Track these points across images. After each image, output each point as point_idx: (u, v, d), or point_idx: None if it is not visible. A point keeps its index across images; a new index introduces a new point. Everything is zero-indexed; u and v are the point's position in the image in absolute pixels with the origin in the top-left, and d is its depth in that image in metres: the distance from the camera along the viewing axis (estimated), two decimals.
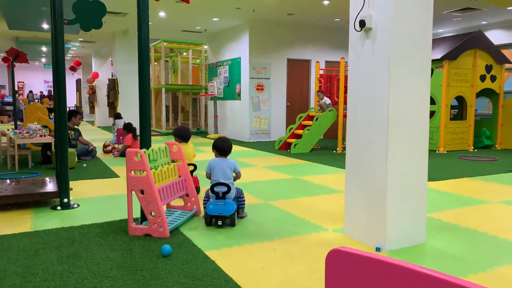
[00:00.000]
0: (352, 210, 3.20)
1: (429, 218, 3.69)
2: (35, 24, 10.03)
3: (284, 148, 8.84)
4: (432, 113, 8.59)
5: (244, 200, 3.69)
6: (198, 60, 15.50)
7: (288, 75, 11.03)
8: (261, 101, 10.77)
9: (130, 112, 12.42)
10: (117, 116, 8.91)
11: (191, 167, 4.06)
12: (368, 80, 3.00)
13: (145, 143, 3.51)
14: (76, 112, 7.42)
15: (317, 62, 9.52)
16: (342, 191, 4.72)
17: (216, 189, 3.43)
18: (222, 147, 3.59)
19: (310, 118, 9.06)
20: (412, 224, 3.05)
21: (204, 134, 13.04)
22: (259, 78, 10.69)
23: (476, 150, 8.91)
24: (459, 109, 9.31)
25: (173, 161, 3.95)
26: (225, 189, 3.41)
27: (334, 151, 8.58)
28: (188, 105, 14.96)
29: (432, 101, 8.53)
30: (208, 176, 3.62)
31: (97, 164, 6.87)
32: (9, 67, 11.37)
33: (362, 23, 2.93)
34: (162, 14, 9.57)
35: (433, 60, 8.32)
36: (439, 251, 2.94)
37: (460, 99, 9.03)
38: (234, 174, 3.59)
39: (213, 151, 3.67)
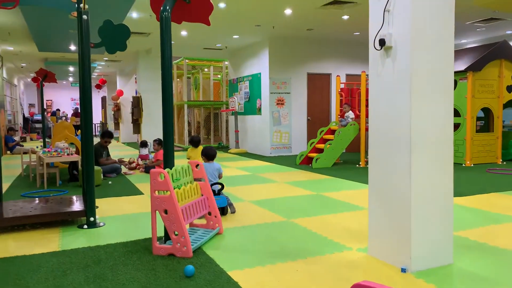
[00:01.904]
0: (376, 229, 3.16)
1: (456, 237, 3.60)
2: (63, 46, 10.44)
3: (306, 162, 8.81)
4: (457, 126, 8.41)
5: (232, 203, 4.74)
6: (219, 76, 15.72)
7: (309, 89, 11.05)
8: (281, 116, 10.80)
9: (154, 129, 12.67)
10: (143, 144, 9.05)
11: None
12: (390, 97, 2.98)
13: (169, 163, 3.58)
14: (109, 132, 7.67)
15: (337, 76, 9.50)
16: (366, 208, 4.66)
17: (213, 187, 4.34)
18: (209, 154, 4.76)
19: (332, 132, 9.01)
20: (439, 244, 2.98)
21: (225, 148, 13.14)
22: (279, 93, 10.74)
23: (504, 163, 8.65)
24: (485, 121, 9.08)
25: (196, 180, 4.00)
26: (219, 187, 4.37)
27: (357, 165, 8.48)
28: (202, 119, 15.16)
29: (457, 113, 8.36)
30: None
31: (121, 181, 7.01)
32: (39, 86, 11.83)
33: (382, 42, 2.94)
34: (184, 33, 9.80)
35: (456, 72, 8.18)
36: (468, 273, 2.86)
37: (487, 111, 8.81)
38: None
39: (202, 157, 4.80)
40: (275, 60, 10.65)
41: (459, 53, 8.81)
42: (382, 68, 3.05)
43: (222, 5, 7.51)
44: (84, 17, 4.15)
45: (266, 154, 10.78)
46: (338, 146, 8.47)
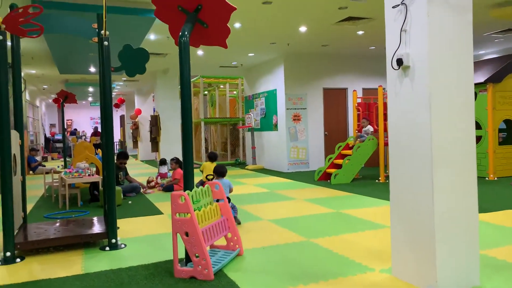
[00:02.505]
0: (399, 248, 3.11)
1: (483, 256, 3.50)
2: (83, 68, 10.73)
3: (324, 178, 8.76)
4: (478, 138, 8.27)
5: (237, 209, 5.19)
6: (235, 93, 15.87)
7: (325, 104, 11.04)
8: (298, 131, 10.80)
9: (172, 147, 12.81)
10: (162, 162, 9.16)
11: (210, 176, 5.19)
12: (409, 117, 2.97)
13: (189, 184, 3.61)
14: (124, 154, 7.78)
15: (354, 90, 9.49)
16: (388, 226, 4.59)
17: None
18: (220, 171, 5.19)
19: (350, 147, 8.96)
20: (464, 264, 2.91)
21: (242, 165, 13.17)
22: (295, 109, 10.77)
23: None
24: (508, 133, 8.90)
25: (215, 201, 4.03)
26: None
27: (377, 181, 8.39)
28: (219, 136, 15.25)
29: (478, 126, 8.22)
30: None
31: (141, 200, 7.09)
32: (59, 107, 12.16)
33: (400, 62, 2.94)
34: (200, 52, 9.99)
35: (476, 84, 8.08)
36: None
37: (509, 122, 8.64)
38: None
39: (214, 174, 5.17)
40: (290, 76, 10.72)
41: (478, 64, 8.71)
42: (400, 87, 3.05)
43: (237, 25, 7.64)
44: (105, 43, 4.28)
45: (283, 170, 10.76)
46: (357, 161, 8.41)
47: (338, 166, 8.70)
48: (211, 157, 7.47)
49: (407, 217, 3.02)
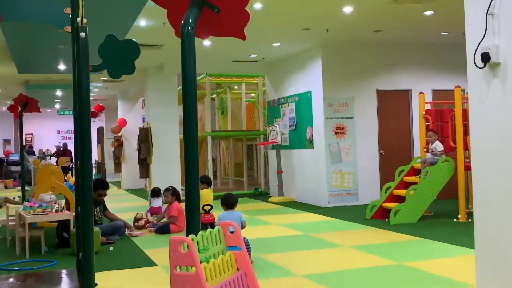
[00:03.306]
0: None
1: None
2: (50, 65, 11.03)
3: (380, 216, 8.69)
4: None
5: (250, 247, 5.51)
6: (253, 96, 16.00)
7: (380, 112, 11.01)
8: (342, 150, 10.78)
9: (167, 171, 12.82)
10: (155, 192, 9.24)
11: (208, 207, 5.75)
12: (500, 129, 2.96)
13: (193, 225, 3.64)
14: (102, 182, 7.91)
15: (420, 93, 9.46)
16: (473, 285, 4.51)
17: None
18: (228, 202, 5.60)
19: (416, 171, 8.86)
20: None
21: (264, 196, 13.18)
22: (338, 118, 10.79)
23: None
24: None
25: (228, 248, 4.05)
26: None
27: (455, 220, 8.29)
28: (231, 155, 15.37)
29: None
30: None
31: (127, 246, 7.16)
32: (17, 117, 12.48)
33: (485, 57, 2.95)
34: (206, 43, 10.12)
35: None
36: None
37: None
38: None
39: (221, 206, 5.62)
40: (330, 74, 10.77)
41: None
42: (487, 91, 3.05)
43: (258, 5, 7.76)
44: (82, 34, 4.41)
45: (322, 204, 10.72)
46: (426, 192, 8.32)
47: (400, 199, 8.61)
48: (207, 182, 7.84)
49: (502, 272, 2.97)
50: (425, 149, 9.00)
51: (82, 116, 4.44)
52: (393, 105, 11.15)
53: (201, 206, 7.96)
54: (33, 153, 22.72)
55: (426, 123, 9.16)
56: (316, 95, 10.97)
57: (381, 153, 11.01)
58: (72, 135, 26.19)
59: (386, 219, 8.43)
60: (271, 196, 12.59)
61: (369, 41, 10.76)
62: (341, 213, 9.53)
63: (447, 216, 8.68)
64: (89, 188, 4.46)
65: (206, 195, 7.73)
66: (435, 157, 8.52)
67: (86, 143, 4.41)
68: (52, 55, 9.86)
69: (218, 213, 6.03)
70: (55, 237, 7.37)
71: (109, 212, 8.02)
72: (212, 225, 6.39)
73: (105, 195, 7.92)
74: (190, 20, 3.57)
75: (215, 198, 7.85)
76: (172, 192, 8.38)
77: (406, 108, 11.20)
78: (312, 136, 11.14)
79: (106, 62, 4.81)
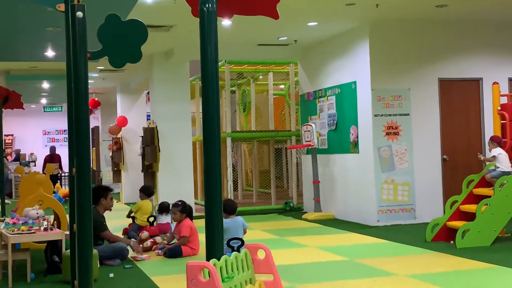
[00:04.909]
0: None
1: None
2: (35, 51, 11.15)
3: (444, 238, 8.63)
4: None
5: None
6: (283, 88, 15.99)
7: (443, 107, 10.93)
8: (395, 155, 10.73)
9: (177, 181, 12.90)
10: (163, 208, 9.28)
11: (152, 219, 6.39)
12: None
13: (215, 248, 3.67)
14: (106, 189, 8.00)
15: (494, 83, 9.38)
16: None
17: (232, 243, 5.06)
18: (232, 208, 6.79)
19: (489, 182, 8.76)
20: None
21: (297, 211, 13.18)
22: (390, 115, 10.74)
23: None
24: None
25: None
26: (239, 243, 5.00)
27: None
28: (255, 160, 15.36)
29: None
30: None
31: (130, 272, 7.20)
32: None
33: None
34: (226, 23, 10.13)
35: None
36: None
37: None
38: None
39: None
40: (380, 61, 10.72)
41: None
42: None
43: None
44: (79, 14, 4.48)
45: (370, 222, 10.68)
46: (502, 208, 8.21)
47: (469, 216, 8.54)
48: (148, 192, 9.07)
49: None
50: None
51: (80, 113, 4.52)
52: (459, 99, 11.07)
53: (145, 218, 9.08)
54: (18, 159, 22.63)
55: (502, 121, 9.07)
56: (362, 87, 10.94)
57: (445, 158, 10.92)
58: (60, 137, 26.52)
59: (452, 242, 8.37)
60: (306, 212, 12.61)
61: (429, 18, 10.70)
62: (394, 234, 9.49)
63: None
64: (88, 201, 4.52)
65: (146, 206, 9.15)
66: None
67: (84, 146, 4.50)
68: (39, 39, 9.97)
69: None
70: (44, 261, 7.44)
71: (110, 232, 8.04)
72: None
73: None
74: None
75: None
76: (181, 208, 8.36)
77: (477, 102, 11.12)
78: (357, 137, 11.10)
79: (107, 48, 4.88)
